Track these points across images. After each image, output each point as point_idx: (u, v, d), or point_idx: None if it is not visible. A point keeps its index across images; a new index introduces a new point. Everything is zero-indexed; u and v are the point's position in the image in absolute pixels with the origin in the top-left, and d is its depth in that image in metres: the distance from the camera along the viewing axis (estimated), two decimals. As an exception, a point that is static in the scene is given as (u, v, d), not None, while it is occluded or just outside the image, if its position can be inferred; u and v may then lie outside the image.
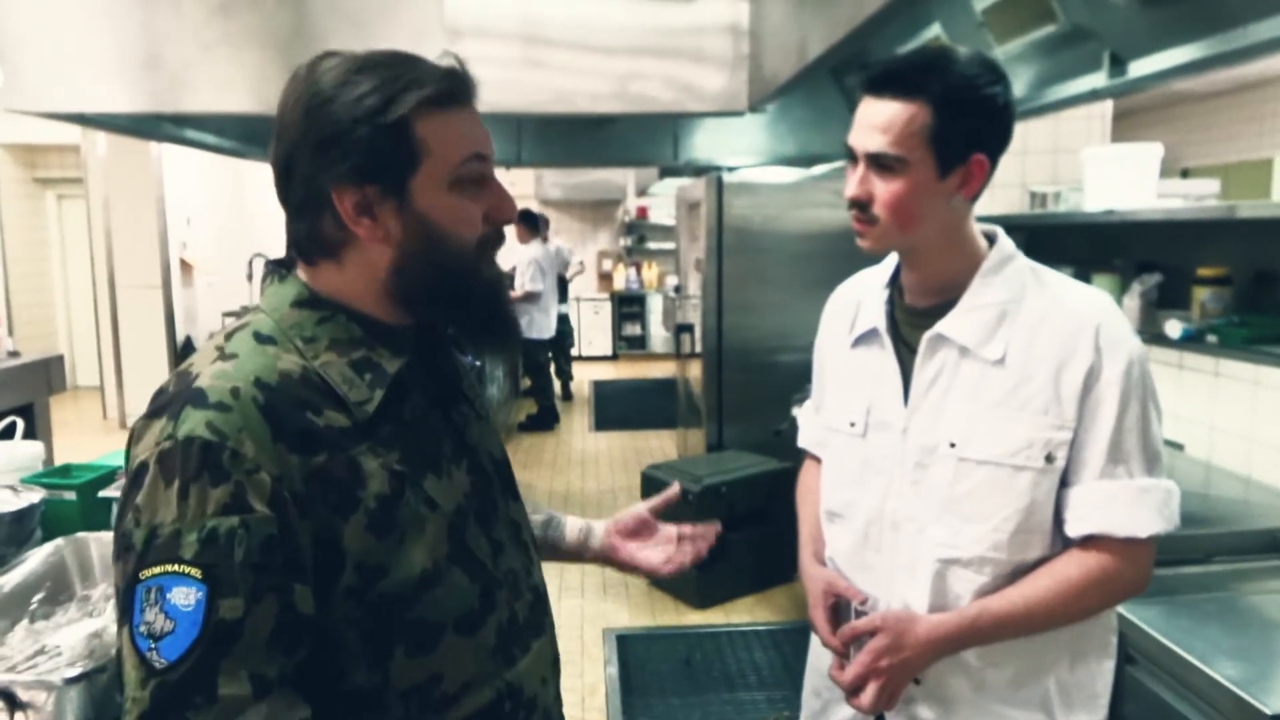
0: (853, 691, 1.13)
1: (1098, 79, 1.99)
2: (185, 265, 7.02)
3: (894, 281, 1.25)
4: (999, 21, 2.27)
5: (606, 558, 1.25)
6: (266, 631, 0.77)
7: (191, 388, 0.82)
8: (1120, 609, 1.57)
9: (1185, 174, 7.82)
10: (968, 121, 1.09)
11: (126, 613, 0.77)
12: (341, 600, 0.82)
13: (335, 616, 0.82)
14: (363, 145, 0.84)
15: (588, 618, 3.69)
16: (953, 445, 1.13)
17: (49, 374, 4.92)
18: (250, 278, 7.40)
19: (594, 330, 10.89)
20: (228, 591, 0.76)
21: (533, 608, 1.00)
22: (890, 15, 1.99)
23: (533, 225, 6.88)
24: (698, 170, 4.90)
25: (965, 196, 1.12)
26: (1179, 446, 2.52)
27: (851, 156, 1.14)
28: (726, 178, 4.26)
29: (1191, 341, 2.38)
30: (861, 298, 1.28)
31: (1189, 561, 1.74)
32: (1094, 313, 1.11)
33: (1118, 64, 1.94)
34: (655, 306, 10.79)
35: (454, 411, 0.98)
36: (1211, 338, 2.33)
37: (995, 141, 1.12)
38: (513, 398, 7.43)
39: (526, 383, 7.78)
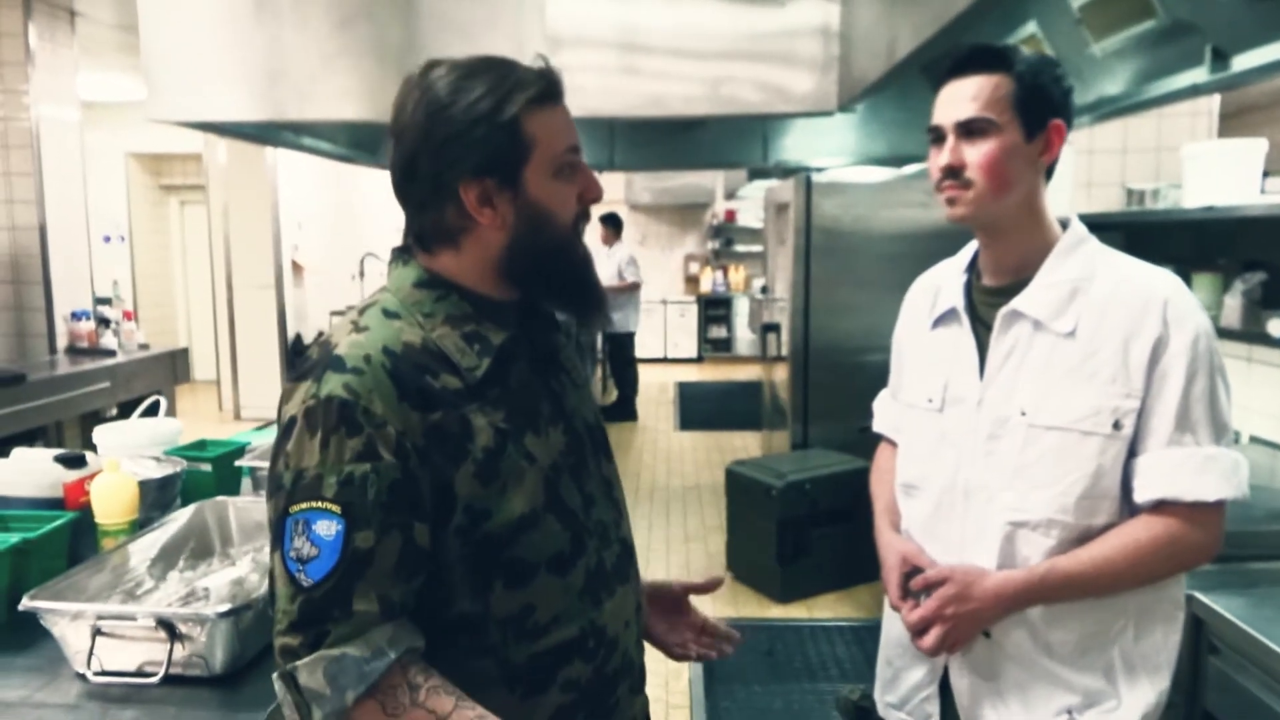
0: (918, 634, 1.21)
1: (1199, 74, 1.97)
2: (296, 266, 7.42)
3: (972, 266, 1.32)
4: (1096, 18, 2.25)
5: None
6: (392, 561, 0.91)
7: (331, 355, 0.95)
8: (1203, 598, 1.58)
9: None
10: (1045, 90, 1.19)
11: (279, 539, 0.92)
12: (452, 538, 0.95)
13: (447, 552, 0.95)
14: (482, 143, 0.96)
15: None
16: (1023, 414, 1.19)
17: (175, 365, 5.29)
18: (354, 276, 7.78)
19: (679, 333, 10.99)
20: (361, 525, 0.90)
21: (620, 557, 1.10)
22: (981, 12, 2.01)
23: (617, 227, 7.47)
24: (786, 172, 4.94)
25: (1046, 161, 1.21)
26: (1280, 448, 2.45)
27: (937, 139, 1.22)
28: (815, 178, 4.29)
29: (1295, 341, 2.33)
30: (940, 284, 1.36)
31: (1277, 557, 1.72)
32: (1162, 288, 1.16)
33: (1220, 58, 1.92)
34: (741, 309, 10.81)
35: (553, 380, 1.10)
36: (1316, 337, 2.28)
37: (1067, 115, 1.21)
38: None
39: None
